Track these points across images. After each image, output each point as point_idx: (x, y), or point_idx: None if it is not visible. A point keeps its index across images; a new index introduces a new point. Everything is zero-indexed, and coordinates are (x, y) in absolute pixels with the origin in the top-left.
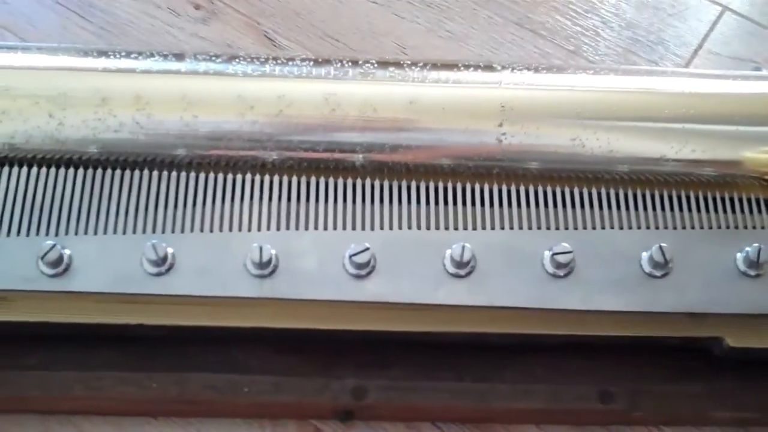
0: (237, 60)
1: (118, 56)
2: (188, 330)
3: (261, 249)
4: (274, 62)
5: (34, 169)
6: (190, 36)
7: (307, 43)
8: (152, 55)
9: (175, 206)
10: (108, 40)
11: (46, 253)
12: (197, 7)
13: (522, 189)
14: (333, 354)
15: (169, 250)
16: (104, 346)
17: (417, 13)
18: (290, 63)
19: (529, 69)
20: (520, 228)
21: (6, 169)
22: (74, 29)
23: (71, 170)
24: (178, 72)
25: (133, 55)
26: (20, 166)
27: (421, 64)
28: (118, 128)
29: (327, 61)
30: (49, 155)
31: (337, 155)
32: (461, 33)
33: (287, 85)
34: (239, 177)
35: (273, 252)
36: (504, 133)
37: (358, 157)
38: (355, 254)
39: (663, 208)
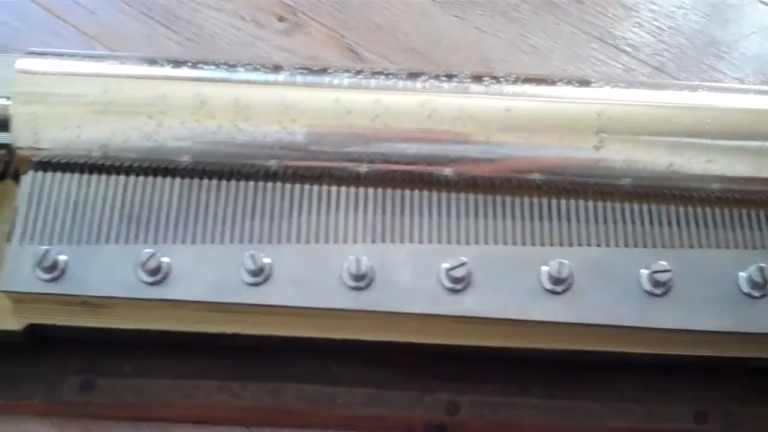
0: (330, 71)
1: (213, 66)
2: (283, 340)
3: (358, 261)
4: (367, 73)
5: (132, 178)
6: (275, 48)
7: (390, 56)
8: (245, 66)
9: (272, 217)
10: (194, 50)
11: (145, 262)
12: (281, 19)
13: (617, 206)
14: (427, 368)
15: (266, 261)
16: (199, 355)
17: (499, 27)
18: (383, 74)
19: (623, 84)
20: (616, 245)
21: (104, 176)
22: (160, 39)
23: (169, 179)
24: (275, 82)
25: (225, 66)
26: (118, 174)
27: (513, 77)
28: (216, 134)
29: (419, 74)
30: (147, 163)
31: (431, 168)
32: (544, 48)
33: (383, 95)
34: (335, 188)
35: (369, 264)
36: (600, 148)
37: (451, 170)
38: (451, 268)
39: (760, 228)
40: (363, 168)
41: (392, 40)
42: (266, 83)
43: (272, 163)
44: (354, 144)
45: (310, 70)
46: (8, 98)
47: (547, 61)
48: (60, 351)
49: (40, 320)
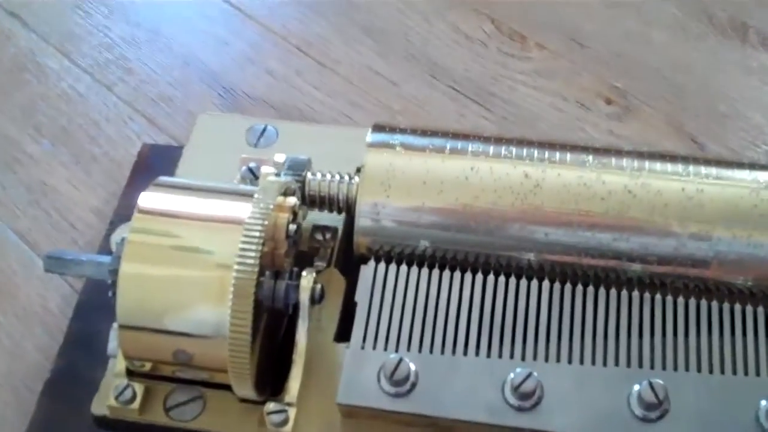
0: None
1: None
2: None
3: None
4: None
5: (491, 277)
6: (604, 133)
7: (744, 150)
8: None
9: (663, 334)
10: (511, 131)
11: (520, 383)
12: (608, 101)
13: None
14: None
15: (666, 390)
16: None
17: None
18: None
19: None
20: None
21: (457, 274)
22: (473, 118)
23: (535, 282)
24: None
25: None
26: (473, 272)
27: None
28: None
29: None
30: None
31: None
32: None
33: None
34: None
35: None
36: None
37: None
38: None
39: None
40: None
41: (738, 131)
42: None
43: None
44: None
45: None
46: (352, 178)
47: None
48: None
49: None
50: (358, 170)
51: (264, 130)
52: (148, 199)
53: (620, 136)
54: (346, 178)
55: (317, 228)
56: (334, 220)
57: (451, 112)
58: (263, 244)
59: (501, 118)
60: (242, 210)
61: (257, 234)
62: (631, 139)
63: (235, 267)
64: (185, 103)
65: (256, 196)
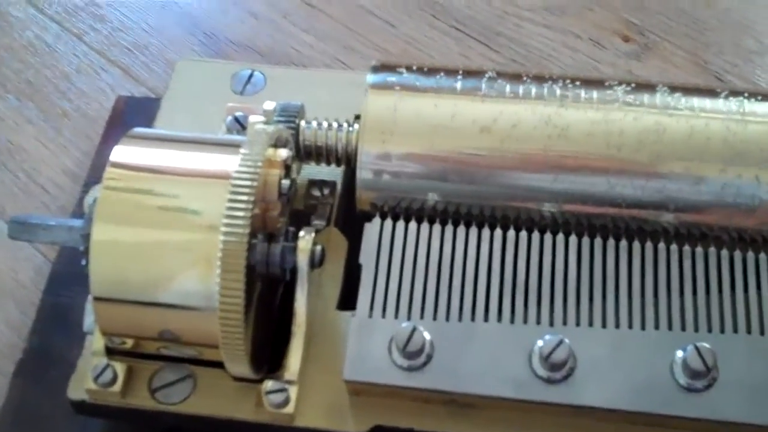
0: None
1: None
2: None
3: None
4: None
5: (511, 233)
6: (622, 73)
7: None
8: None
9: (707, 292)
10: None
11: (550, 352)
12: (626, 39)
13: None
14: None
15: (714, 356)
16: None
17: None
18: None
19: None
20: None
21: (473, 229)
22: (478, 59)
23: (561, 236)
24: None
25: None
26: (491, 228)
27: None
28: None
29: None
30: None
31: None
32: None
33: None
34: None
35: None
36: None
37: None
38: None
39: None
40: None
41: (767, 66)
42: None
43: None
44: None
45: None
46: (351, 125)
47: None
48: None
49: (389, 422)
50: (357, 118)
51: (250, 76)
52: (121, 152)
53: (640, 76)
54: (345, 125)
55: (313, 183)
56: (332, 174)
57: (454, 54)
58: (254, 203)
59: (509, 60)
60: (229, 162)
61: (247, 189)
62: (651, 80)
63: (223, 228)
64: (162, 51)
65: (243, 146)
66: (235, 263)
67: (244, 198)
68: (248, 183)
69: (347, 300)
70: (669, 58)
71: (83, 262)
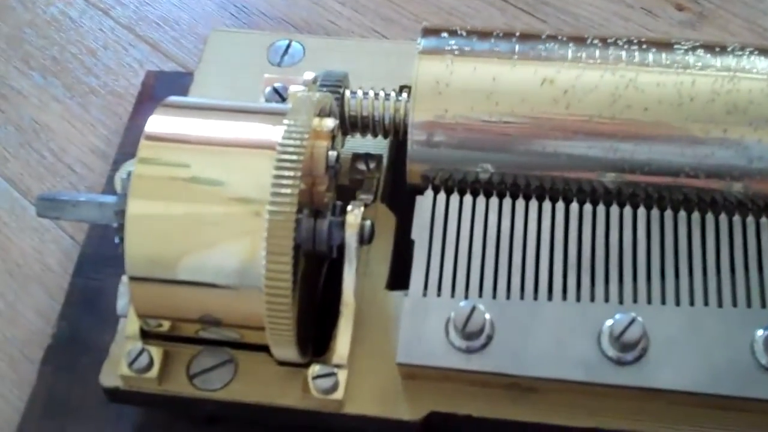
0: None
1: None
2: None
3: None
4: None
5: (575, 205)
6: None
7: None
8: None
9: None
10: None
11: (622, 331)
12: (680, 8)
13: None
14: None
15: None
16: None
17: None
18: None
19: None
20: None
21: (533, 203)
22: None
23: (629, 209)
24: None
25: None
26: (553, 201)
27: None
28: None
29: None
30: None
31: None
32: None
33: None
34: None
35: None
36: None
37: None
38: None
39: None
40: None
41: None
42: None
43: None
44: None
45: None
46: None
47: None
48: None
49: (445, 408)
50: (402, 89)
51: (288, 46)
52: (157, 122)
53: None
54: (392, 95)
55: (358, 157)
56: (376, 147)
57: (498, 24)
58: (300, 178)
59: (557, 31)
60: (273, 133)
61: (294, 164)
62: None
63: (269, 207)
64: (193, 25)
65: (288, 115)
66: (282, 244)
67: (291, 174)
68: (295, 157)
69: (397, 280)
70: (725, 27)
71: (116, 241)
